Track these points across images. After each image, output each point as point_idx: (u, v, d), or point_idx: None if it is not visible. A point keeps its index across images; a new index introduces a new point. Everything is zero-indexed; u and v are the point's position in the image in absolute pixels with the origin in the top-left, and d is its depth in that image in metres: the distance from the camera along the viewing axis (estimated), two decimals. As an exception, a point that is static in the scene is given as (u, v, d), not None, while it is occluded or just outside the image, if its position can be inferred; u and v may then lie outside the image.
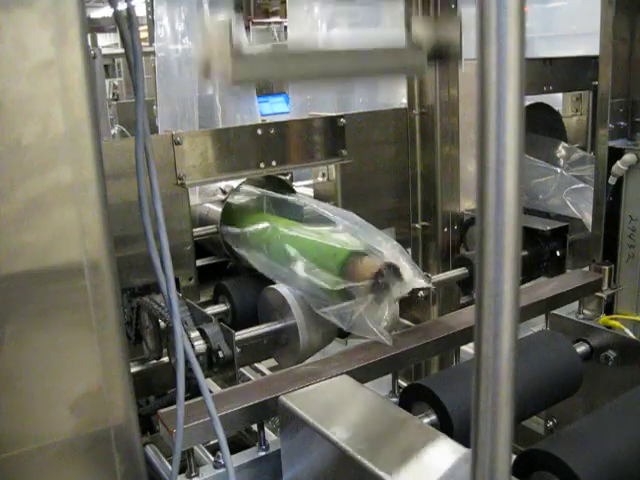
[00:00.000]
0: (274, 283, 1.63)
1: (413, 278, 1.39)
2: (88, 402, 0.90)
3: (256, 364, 2.13)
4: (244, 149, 1.64)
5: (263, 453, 1.25)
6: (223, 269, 1.96)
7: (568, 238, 2.05)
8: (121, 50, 1.34)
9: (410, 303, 1.70)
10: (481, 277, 0.61)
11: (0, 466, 0.86)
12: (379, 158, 2.15)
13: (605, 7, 1.82)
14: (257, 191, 1.94)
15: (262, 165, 1.89)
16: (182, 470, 1.17)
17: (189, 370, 1.05)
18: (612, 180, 1.86)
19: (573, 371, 1.42)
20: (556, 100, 2.73)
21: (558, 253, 2.06)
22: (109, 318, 0.89)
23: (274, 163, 1.91)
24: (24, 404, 0.86)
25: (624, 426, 1.17)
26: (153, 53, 4.82)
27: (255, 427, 1.27)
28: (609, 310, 1.83)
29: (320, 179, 2.17)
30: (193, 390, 1.22)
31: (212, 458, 1.24)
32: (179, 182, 1.74)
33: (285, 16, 5.60)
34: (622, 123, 1.90)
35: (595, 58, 1.91)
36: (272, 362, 1.83)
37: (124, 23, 0.95)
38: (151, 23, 5.63)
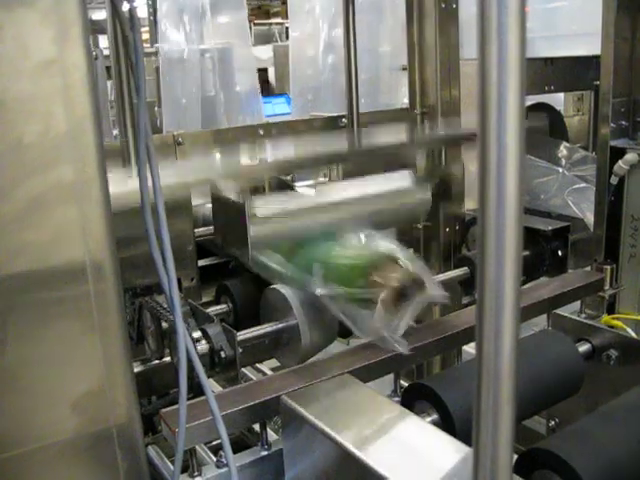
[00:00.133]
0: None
1: (434, 291, 1.39)
2: (90, 401, 0.90)
3: (258, 364, 2.13)
4: (246, 149, 1.64)
5: (265, 452, 1.25)
6: (225, 269, 1.96)
7: (570, 238, 2.05)
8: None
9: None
10: (482, 276, 0.61)
11: (3, 465, 0.86)
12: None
13: (606, 7, 1.82)
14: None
15: (264, 165, 1.90)
16: (184, 470, 1.17)
17: (191, 370, 1.05)
18: (614, 180, 1.86)
19: (575, 370, 1.42)
20: (558, 100, 2.73)
21: (560, 253, 2.06)
22: (111, 317, 0.90)
23: (275, 163, 1.91)
24: (26, 403, 0.86)
25: (626, 425, 1.18)
26: (155, 54, 4.83)
27: (257, 427, 1.27)
28: (611, 310, 1.83)
29: (322, 179, 2.17)
30: (195, 390, 1.22)
31: (214, 458, 1.24)
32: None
33: (286, 17, 5.60)
34: (624, 123, 1.90)
35: (596, 58, 1.91)
36: (274, 362, 1.83)
37: (126, 24, 0.95)
38: (152, 24, 5.64)
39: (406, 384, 1.39)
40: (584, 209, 2.15)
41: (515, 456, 1.08)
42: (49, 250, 0.83)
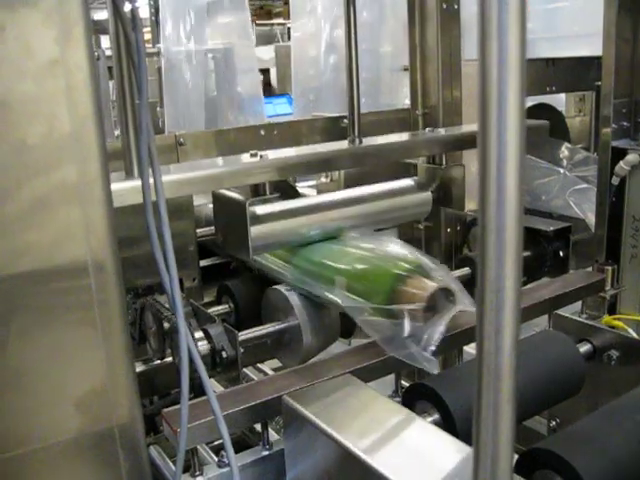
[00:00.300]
0: (277, 283, 1.63)
1: (464, 302, 1.32)
2: (93, 401, 0.90)
3: (259, 365, 2.13)
4: (247, 150, 1.65)
5: (267, 452, 1.25)
6: (227, 269, 1.97)
7: (571, 238, 2.05)
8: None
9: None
10: (483, 274, 0.62)
11: (6, 464, 0.87)
12: (382, 158, 2.16)
13: (608, 7, 1.82)
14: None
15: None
16: (186, 470, 1.18)
17: (193, 370, 1.06)
18: (615, 180, 1.86)
19: (576, 371, 1.42)
20: (559, 101, 2.74)
21: (561, 253, 2.06)
22: (114, 316, 0.90)
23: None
24: (29, 403, 0.87)
25: (627, 425, 1.18)
26: (157, 54, 4.83)
27: (259, 427, 1.27)
28: (612, 310, 1.83)
29: (323, 180, 2.17)
30: (197, 390, 1.22)
31: (216, 458, 1.24)
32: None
33: (288, 17, 5.61)
34: (625, 123, 1.91)
35: (598, 59, 1.92)
36: (275, 363, 1.83)
37: (128, 24, 0.96)
38: (154, 24, 5.65)
39: (407, 384, 1.39)
40: (585, 210, 2.16)
41: (516, 456, 1.08)
42: (52, 250, 0.83)
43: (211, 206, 1.84)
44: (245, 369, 1.95)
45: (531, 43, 2.80)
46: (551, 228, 2.04)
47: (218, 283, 1.88)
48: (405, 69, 2.36)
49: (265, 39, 9.29)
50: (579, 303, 1.73)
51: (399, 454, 1.02)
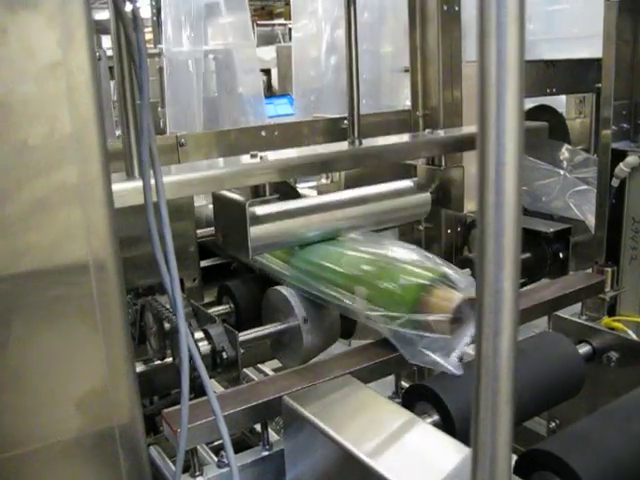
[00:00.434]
0: (278, 284, 1.64)
1: None
2: (93, 401, 0.91)
3: (260, 365, 2.13)
4: (248, 150, 1.65)
5: (266, 453, 1.25)
6: (227, 270, 1.97)
7: (571, 240, 2.05)
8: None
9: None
10: (481, 276, 0.62)
11: (6, 464, 0.87)
12: (383, 159, 2.16)
13: (608, 10, 1.82)
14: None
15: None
16: (186, 470, 1.18)
17: (193, 370, 1.06)
18: (615, 182, 1.86)
19: (575, 372, 1.42)
20: (559, 102, 2.74)
21: (561, 255, 2.06)
22: (114, 317, 0.90)
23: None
24: (30, 402, 0.87)
25: (626, 426, 1.18)
26: (158, 55, 4.84)
27: (259, 427, 1.28)
28: (612, 312, 1.83)
29: (324, 181, 2.18)
30: (197, 390, 1.22)
31: (216, 458, 1.25)
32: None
33: (290, 18, 5.61)
34: (625, 125, 1.91)
35: (598, 60, 1.92)
36: (276, 363, 1.83)
37: (129, 25, 0.96)
38: (156, 25, 5.66)
39: (407, 385, 1.39)
40: (585, 211, 2.16)
41: (515, 457, 1.08)
42: (53, 251, 0.84)
43: (211, 207, 1.84)
44: (245, 369, 1.95)
45: (532, 45, 2.81)
46: (551, 230, 2.04)
47: (218, 283, 1.88)
48: (406, 70, 2.37)
49: (266, 39, 9.28)
50: (579, 305, 1.73)
51: (398, 455, 1.03)
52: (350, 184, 2.09)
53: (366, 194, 1.78)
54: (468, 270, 1.53)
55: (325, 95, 3.92)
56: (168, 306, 1.55)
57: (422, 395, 1.25)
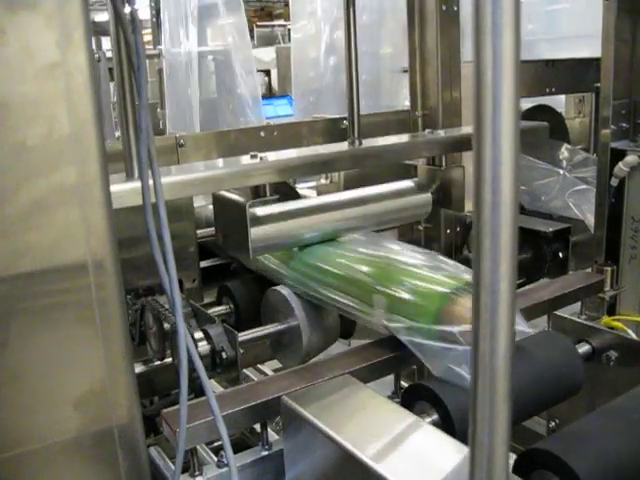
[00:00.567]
0: (277, 284, 1.64)
1: (519, 324, 1.24)
2: (92, 401, 0.91)
3: (259, 365, 2.14)
4: (247, 151, 1.65)
5: (266, 452, 1.25)
6: (227, 270, 1.97)
7: (570, 239, 2.06)
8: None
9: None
10: (478, 275, 0.62)
11: (5, 464, 0.87)
12: (382, 160, 2.16)
13: (607, 9, 1.83)
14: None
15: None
16: (185, 470, 1.18)
17: (192, 371, 1.06)
18: (614, 182, 1.87)
19: (575, 372, 1.42)
20: (559, 102, 2.74)
21: (560, 254, 2.06)
22: (113, 317, 0.90)
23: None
24: (29, 402, 0.87)
25: (625, 426, 1.18)
26: (157, 56, 4.84)
27: (258, 427, 1.28)
28: (611, 311, 1.83)
29: (323, 181, 2.18)
30: (196, 390, 1.23)
31: (215, 458, 1.25)
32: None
33: (289, 19, 5.62)
34: (624, 125, 1.91)
35: (597, 60, 1.92)
36: (275, 364, 1.84)
37: (128, 26, 0.96)
38: (155, 26, 5.66)
39: (406, 385, 1.39)
40: (585, 211, 2.16)
41: (514, 456, 1.08)
42: (51, 251, 0.84)
43: (211, 207, 1.85)
44: (245, 370, 1.95)
45: (531, 44, 2.82)
46: (550, 229, 2.04)
47: (218, 284, 1.88)
48: (405, 71, 2.37)
49: (266, 40, 9.30)
50: (578, 304, 1.73)
51: (397, 454, 1.03)
52: (349, 184, 2.09)
53: (367, 195, 1.78)
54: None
55: (324, 96, 3.92)
56: (168, 306, 1.55)
57: (421, 395, 1.25)
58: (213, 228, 1.87)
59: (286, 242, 1.63)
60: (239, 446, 1.32)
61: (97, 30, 4.71)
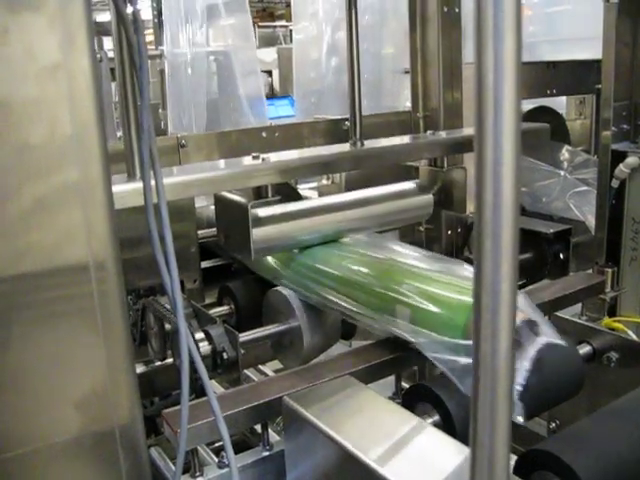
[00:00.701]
0: (278, 285, 1.64)
1: (550, 335, 1.18)
2: (93, 401, 0.91)
3: (260, 366, 2.14)
4: (249, 152, 1.66)
5: (267, 453, 1.25)
6: (228, 271, 1.98)
7: (571, 241, 2.06)
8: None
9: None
10: (479, 277, 0.62)
11: (7, 464, 0.87)
12: (383, 161, 2.16)
13: (608, 11, 1.83)
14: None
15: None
16: (186, 470, 1.18)
17: (194, 371, 1.06)
18: (615, 183, 1.87)
19: (575, 373, 1.42)
20: (560, 103, 2.74)
21: (561, 256, 2.06)
22: (115, 317, 0.91)
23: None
24: (30, 403, 0.87)
25: (626, 427, 1.18)
26: (159, 56, 4.85)
27: (259, 427, 1.28)
28: (612, 312, 1.83)
29: (325, 182, 2.18)
30: (197, 391, 1.23)
31: (216, 458, 1.25)
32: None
33: (291, 19, 5.62)
34: (625, 126, 1.91)
35: (598, 62, 1.93)
36: (277, 364, 1.84)
37: (130, 27, 0.96)
38: (157, 26, 5.67)
39: (407, 386, 1.40)
40: (585, 212, 2.16)
41: (515, 457, 1.08)
42: (53, 251, 0.84)
43: (212, 208, 1.85)
44: (246, 370, 1.96)
45: (532, 46, 2.82)
46: (551, 230, 2.04)
47: (219, 284, 1.89)
48: (406, 72, 2.37)
49: (268, 41, 9.32)
50: (579, 305, 1.73)
51: (399, 455, 1.03)
52: (351, 185, 2.09)
53: (369, 196, 1.78)
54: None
55: (326, 96, 3.92)
56: (169, 307, 1.55)
57: (422, 396, 1.26)
58: (214, 229, 1.87)
59: (287, 243, 1.63)
60: (240, 446, 1.32)
61: (99, 30, 4.71)
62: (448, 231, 2.22)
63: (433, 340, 1.22)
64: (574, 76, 2.50)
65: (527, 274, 2.05)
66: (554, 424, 1.69)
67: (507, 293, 0.61)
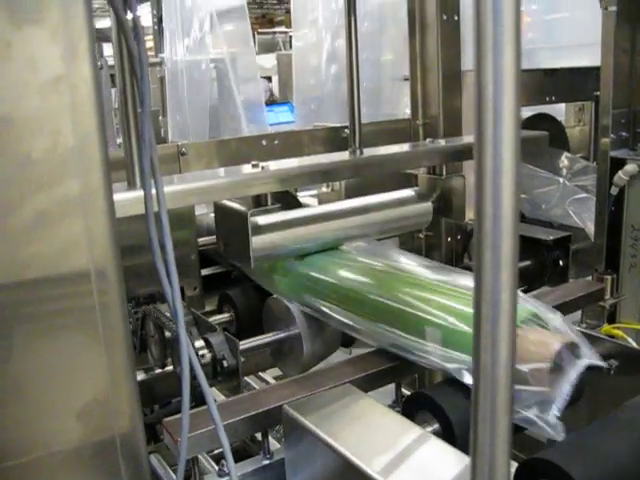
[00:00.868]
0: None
1: (591, 357, 1.14)
2: (95, 410, 0.91)
3: (260, 373, 2.14)
4: (249, 159, 1.66)
5: (267, 461, 1.25)
6: (228, 279, 1.98)
7: (571, 248, 2.06)
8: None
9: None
10: (479, 286, 0.63)
11: (8, 473, 0.87)
12: (383, 168, 2.16)
13: (606, 19, 1.84)
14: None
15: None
16: (186, 479, 1.18)
17: (194, 379, 1.06)
18: (614, 190, 1.87)
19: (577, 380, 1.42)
20: (559, 110, 2.75)
21: (561, 263, 2.07)
22: (116, 326, 0.91)
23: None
24: (32, 412, 0.87)
25: (626, 435, 1.18)
26: (159, 64, 4.85)
27: (259, 436, 1.28)
28: (611, 319, 1.83)
29: (324, 189, 2.18)
30: (197, 399, 1.23)
31: (216, 467, 1.25)
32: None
33: (290, 26, 5.63)
34: (624, 133, 1.92)
35: (597, 69, 1.93)
36: (277, 371, 1.84)
37: (130, 35, 0.96)
38: (157, 33, 5.67)
39: (408, 393, 1.39)
40: (585, 219, 2.16)
41: (515, 465, 1.08)
42: (55, 261, 0.84)
43: (212, 215, 1.85)
44: (246, 378, 1.96)
45: (531, 53, 2.82)
46: (551, 237, 2.05)
47: (219, 292, 1.89)
48: (406, 79, 2.38)
49: (267, 47, 9.33)
50: (579, 312, 1.74)
51: (398, 464, 1.03)
52: (351, 193, 2.10)
53: (368, 204, 1.79)
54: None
55: (326, 104, 3.93)
56: (169, 314, 1.55)
57: (423, 404, 1.25)
58: (214, 236, 1.87)
59: (287, 251, 1.63)
60: (240, 454, 1.32)
61: (99, 36, 4.71)
62: (448, 238, 2.23)
63: (469, 367, 1.15)
64: (573, 83, 2.51)
65: (527, 281, 2.06)
66: (554, 431, 1.69)
67: (507, 303, 0.61)
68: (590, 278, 1.90)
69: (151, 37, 5.91)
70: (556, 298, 1.70)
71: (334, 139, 2.13)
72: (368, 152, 1.90)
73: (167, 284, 1.00)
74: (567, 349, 1.13)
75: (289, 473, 1.20)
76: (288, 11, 7.95)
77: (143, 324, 1.69)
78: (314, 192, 2.26)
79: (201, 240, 1.90)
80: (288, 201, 1.76)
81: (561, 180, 2.33)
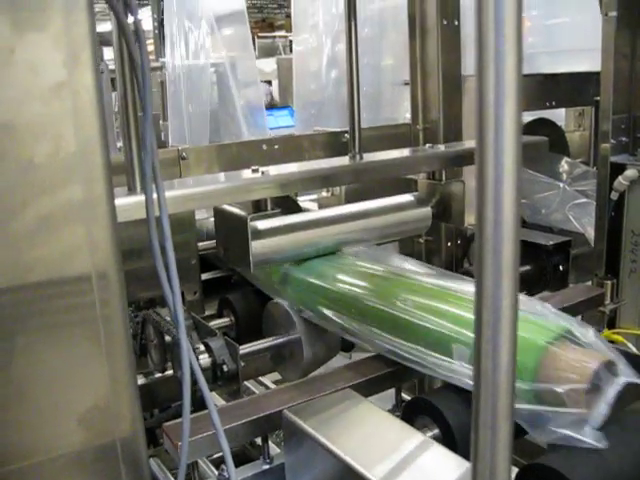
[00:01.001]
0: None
1: (626, 374, 1.09)
2: (96, 414, 0.91)
3: (260, 378, 2.14)
4: (249, 164, 1.66)
5: (267, 466, 1.25)
6: (228, 283, 1.98)
7: (571, 253, 2.06)
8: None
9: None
10: (480, 293, 0.63)
11: (10, 477, 0.87)
12: (383, 173, 2.17)
13: (606, 24, 1.84)
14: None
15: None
16: (187, 483, 1.18)
17: (194, 383, 1.06)
18: (614, 195, 1.87)
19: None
20: (559, 115, 2.75)
21: (561, 267, 2.06)
22: (117, 330, 0.91)
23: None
24: (33, 416, 0.87)
25: (626, 441, 1.18)
26: (160, 68, 4.86)
27: (259, 440, 1.28)
28: (612, 324, 1.83)
29: (324, 194, 2.19)
30: (197, 403, 1.23)
31: (216, 471, 1.25)
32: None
33: (290, 30, 5.64)
34: (624, 139, 1.92)
35: (597, 74, 1.93)
36: (276, 375, 1.84)
37: (131, 39, 0.96)
38: (158, 38, 5.69)
39: (408, 398, 1.39)
40: (585, 224, 2.17)
41: (516, 470, 1.08)
42: (57, 266, 0.84)
43: (212, 220, 1.85)
44: (246, 382, 1.95)
45: (531, 58, 2.83)
46: (551, 242, 2.04)
47: (219, 296, 1.89)
48: (406, 83, 2.38)
49: (267, 51, 9.35)
50: (579, 317, 1.73)
51: (398, 469, 1.03)
52: (351, 197, 2.10)
53: (367, 208, 1.79)
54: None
55: (326, 108, 3.93)
56: (169, 319, 1.55)
57: (422, 409, 1.26)
58: (214, 241, 1.87)
59: (287, 255, 1.64)
60: (239, 459, 1.32)
61: (99, 40, 4.72)
62: (447, 243, 2.23)
63: None
64: (573, 88, 2.52)
65: (527, 286, 2.05)
66: (554, 437, 1.68)
67: (508, 309, 0.62)
68: (590, 283, 1.90)
69: (151, 41, 5.92)
70: (556, 303, 1.69)
71: (334, 144, 2.14)
72: (368, 157, 1.91)
73: (168, 288, 1.00)
74: (605, 368, 1.08)
75: (289, 478, 1.20)
76: (288, 15, 7.97)
77: (143, 328, 1.69)
78: (314, 197, 2.26)
79: (201, 245, 1.90)
80: (288, 206, 1.76)
81: (561, 185, 2.33)
